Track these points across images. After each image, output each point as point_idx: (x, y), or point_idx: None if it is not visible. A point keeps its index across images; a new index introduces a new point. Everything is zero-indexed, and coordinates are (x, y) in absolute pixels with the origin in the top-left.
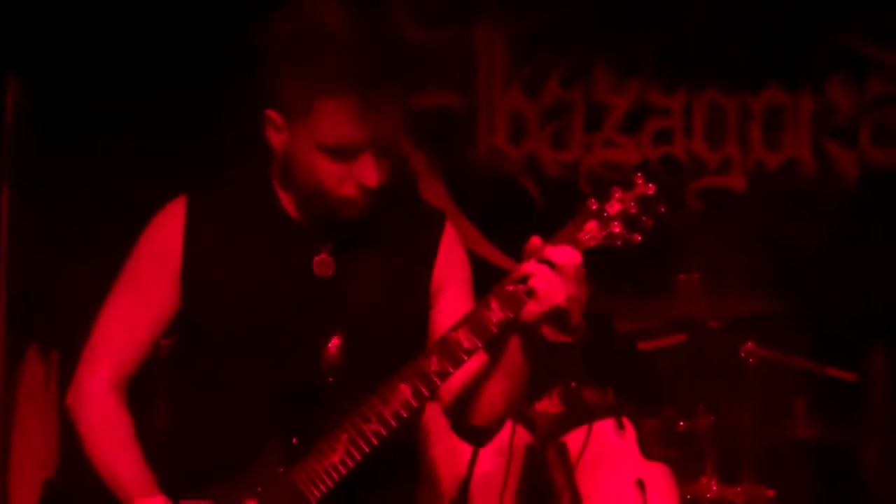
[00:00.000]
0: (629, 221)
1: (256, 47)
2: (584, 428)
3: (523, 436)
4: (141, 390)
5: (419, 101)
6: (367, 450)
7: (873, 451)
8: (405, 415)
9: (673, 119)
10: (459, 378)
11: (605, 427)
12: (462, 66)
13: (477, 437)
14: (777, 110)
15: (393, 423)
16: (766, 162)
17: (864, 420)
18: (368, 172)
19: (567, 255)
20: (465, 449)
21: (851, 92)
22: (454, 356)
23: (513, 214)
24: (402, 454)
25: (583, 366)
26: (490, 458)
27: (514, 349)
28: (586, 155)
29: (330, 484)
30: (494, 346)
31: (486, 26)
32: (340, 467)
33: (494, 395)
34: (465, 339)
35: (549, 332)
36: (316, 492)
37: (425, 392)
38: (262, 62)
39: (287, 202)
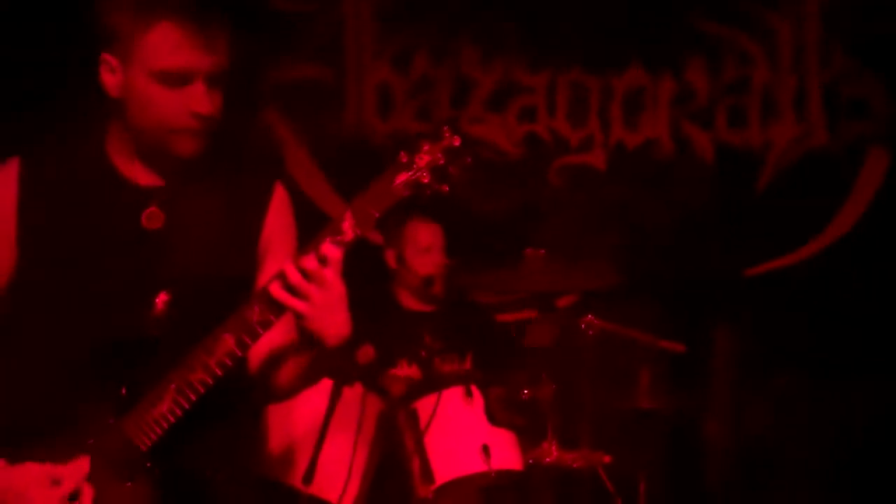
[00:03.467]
0: (437, 172)
1: None
2: (434, 395)
3: (375, 402)
4: None
5: (287, 70)
6: (194, 398)
7: (712, 422)
8: (230, 363)
9: (537, 97)
10: (268, 343)
11: (453, 394)
12: (330, 37)
13: (278, 397)
14: (638, 91)
15: (218, 371)
16: (626, 141)
17: (699, 390)
18: (201, 100)
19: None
20: (304, 412)
21: (708, 75)
22: (276, 306)
23: None
24: (234, 406)
25: (440, 335)
26: (341, 425)
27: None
28: None
29: (160, 431)
30: None
31: None
32: (169, 416)
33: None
34: None
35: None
36: (147, 440)
37: (249, 341)
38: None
39: (118, 159)
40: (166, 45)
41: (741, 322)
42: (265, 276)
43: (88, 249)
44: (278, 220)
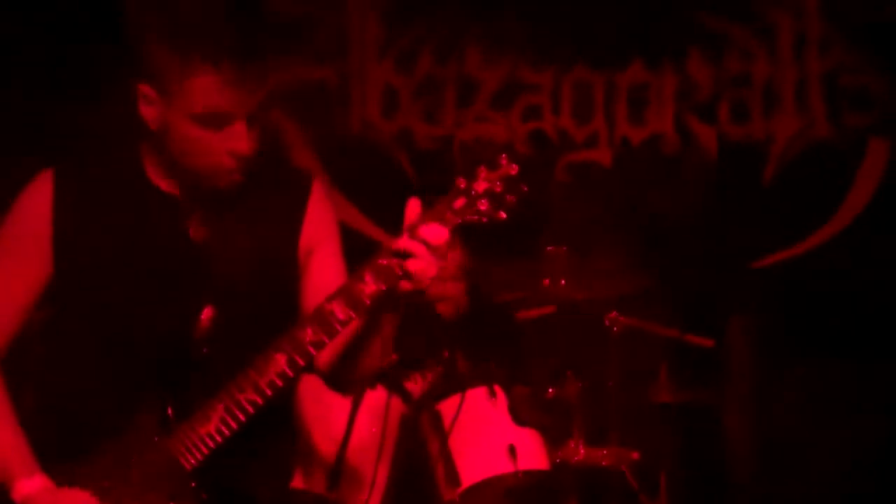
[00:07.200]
0: (495, 199)
1: (123, 20)
2: (458, 396)
3: (398, 405)
4: (15, 365)
5: (292, 72)
6: (242, 419)
7: (732, 414)
8: (280, 384)
9: (542, 95)
10: (334, 343)
11: (477, 395)
12: (335, 38)
13: (348, 389)
14: (641, 87)
15: (268, 392)
16: (631, 137)
17: (723, 385)
18: (240, 141)
19: (438, 235)
20: (340, 417)
21: (711, 70)
22: (329, 327)
23: (385, 187)
24: (278, 423)
25: (461, 336)
26: (366, 428)
27: (388, 317)
28: (458, 130)
29: (206, 451)
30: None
31: None
32: (216, 436)
33: (368, 356)
34: (339, 310)
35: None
36: (192, 459)
37: (301, 362)
38: (131, 36)
39: (155, 174)
40: (207, 89)
41: (750, 314)
42: (311, 278)
43: (126, 260)
44: (318, 219)
